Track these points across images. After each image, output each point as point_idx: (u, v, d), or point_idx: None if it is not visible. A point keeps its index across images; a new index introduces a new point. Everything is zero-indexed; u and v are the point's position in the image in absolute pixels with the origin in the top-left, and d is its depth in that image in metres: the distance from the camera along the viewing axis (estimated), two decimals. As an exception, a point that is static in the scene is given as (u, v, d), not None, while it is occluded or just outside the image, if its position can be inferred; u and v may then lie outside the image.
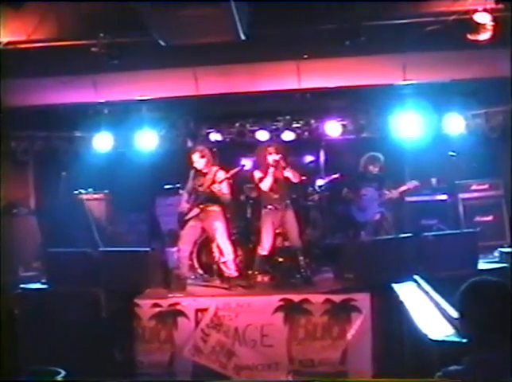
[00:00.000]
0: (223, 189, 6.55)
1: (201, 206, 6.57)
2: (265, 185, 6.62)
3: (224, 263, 6.57)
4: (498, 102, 7.19)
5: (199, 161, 6.62)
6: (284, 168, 6.58)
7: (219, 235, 6.58)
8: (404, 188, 7.34)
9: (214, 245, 6.62)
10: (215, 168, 6.67)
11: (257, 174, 6.72)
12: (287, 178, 6.65)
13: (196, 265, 7.14)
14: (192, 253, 6.90)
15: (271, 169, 6.58)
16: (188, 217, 6.60)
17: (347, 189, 7.42)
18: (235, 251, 6.76)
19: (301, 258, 6.65)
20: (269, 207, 6.68)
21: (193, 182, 6.72)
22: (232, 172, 6.52)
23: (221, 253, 6.57)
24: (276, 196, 6.66)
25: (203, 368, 5.83)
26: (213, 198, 6.55)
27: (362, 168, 7.47)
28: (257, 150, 6.95)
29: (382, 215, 7.32)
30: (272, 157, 6.58)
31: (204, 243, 7.05)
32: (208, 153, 6.72)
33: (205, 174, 6.63)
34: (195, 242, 6.89)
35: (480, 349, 2.26)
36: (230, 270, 6.58)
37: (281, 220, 6.70)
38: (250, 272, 6.77)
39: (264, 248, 6.64)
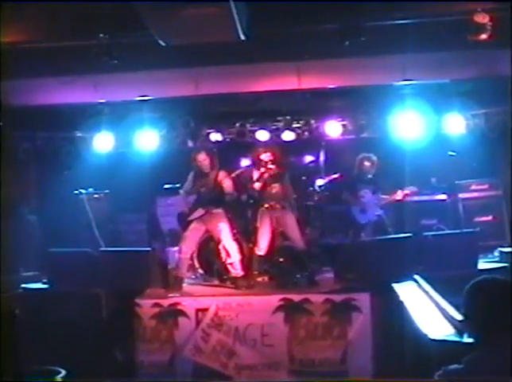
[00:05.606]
0: (228, 188, 6.54)
1: (205, 208, 6.54)
2: (257, 184, 6.67)
3: (231, 264, 6.57)
4: (497, 102, 7.18)
5: (203, 162, 6.58)
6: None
7: (224, 237, 6.57)
8: (403, 193, 7.32)
9: (220, 247, 6.61)
10: (216, 169, 6.66)
11: (254, 175, 6.76)
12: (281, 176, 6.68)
13: (197, 265, 7.13)
14: (193, 253, 6.90)
15: (262, 169, 6.64)
16: (191, 218, 6.58)
17: (346, 191, 7.43)
18: (241, 252, 6.75)
19: (301, 258, 6.66)
20: (266, 206, 6.71)
21: (195, 183, 6.68)
22: (238, 172, 6.52)
23: (228, 254, 6.56)
24: (272, 195, 6.68)
25: (204, 368, 5.83)
26: (217, 199, 6.54)
27: (357, 169, 7.48)
28: (252, 152, 6.99)
29: (380, 216, 7.32)
30: (263, 158, 6.65)
31: (205, 244, 7.03)
32: (212, 154, 6.72)
33: (207, 175, 6.61)
34: (197, 243, 6.89)
35: (487, 349, 2.25)
36: (237, 270, 6.58)
37: (280, 220, 6.71)
38: (250, 272, 6.77)
39: (260, 248, 6.66)
